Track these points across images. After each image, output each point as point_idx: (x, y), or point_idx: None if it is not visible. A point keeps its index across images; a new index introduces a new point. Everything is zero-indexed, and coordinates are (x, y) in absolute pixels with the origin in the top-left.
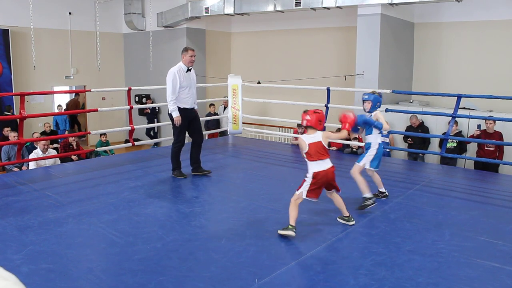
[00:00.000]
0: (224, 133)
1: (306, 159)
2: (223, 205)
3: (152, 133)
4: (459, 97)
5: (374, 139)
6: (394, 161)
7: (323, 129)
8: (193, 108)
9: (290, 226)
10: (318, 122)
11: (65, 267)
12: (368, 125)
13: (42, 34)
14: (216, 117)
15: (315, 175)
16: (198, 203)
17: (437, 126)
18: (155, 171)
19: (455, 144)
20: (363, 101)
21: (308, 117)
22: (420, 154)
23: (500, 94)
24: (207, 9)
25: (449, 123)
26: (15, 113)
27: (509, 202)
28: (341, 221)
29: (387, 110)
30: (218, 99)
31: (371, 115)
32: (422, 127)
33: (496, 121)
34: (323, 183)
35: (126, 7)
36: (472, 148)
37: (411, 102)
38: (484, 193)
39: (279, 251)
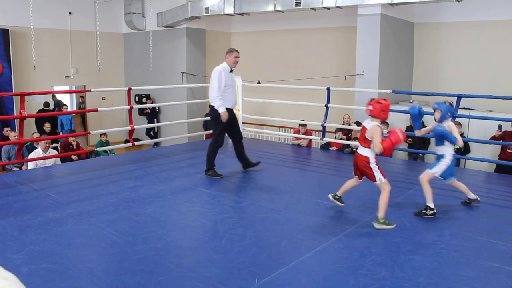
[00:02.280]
0: None
1: None
2: (223, 205)
3: (152, 133)
4: (459, 97)
5: (448, 150)
6: (394, 161)
7: (386, 119)
8: (233, 109)
9: (332, 195)
10: (381, 112)
11: (65, 267)
12: (441, 138)
13: (42, 34)
14: None
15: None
16: (198, 203)
17: None
18: (155, 171)
19: (457, 146)
20: (434, 110)
21: (370, 107)
22: (420, 154)
23: (500, 94)
24: (207, 9)
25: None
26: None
27: (509, 202)
28: (375, 225)
29: None
30: None
31: (441, 125)
32: (422, 127)
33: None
34: (355, 165)
35: (126, 7)
36: (485, 150)
37: (411, 102)
38: (485, 193)
39: (279, 251)
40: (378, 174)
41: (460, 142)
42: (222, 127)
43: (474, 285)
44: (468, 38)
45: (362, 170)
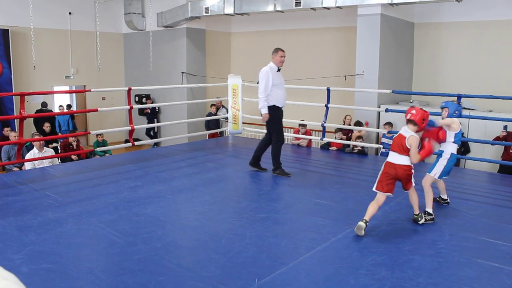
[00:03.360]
0: (221, 133)
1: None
2: (223, 205)
3: (152, 133)
4: (459, 97)
5: (447, 147)
6: None
7: (423, 128)
8: (282, 108)
9: (363, 220)
10: (422, 120)
11: (65, 267)
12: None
13: (42, 34)
14: (216, 117)
15: (385, 165)
16: (198, 203)
17: None
18: (155, 171)
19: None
20: (441, 108)
21: (413, 111)
22: None
23: (500, 94)
24: (207, 9)
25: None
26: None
27: (509, 202)
28: (420, 220)
29: (387, 110)
30: (218, 99)
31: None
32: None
33: None
34: (392, 176)
35: (126, 7)
36: (476, 149)
37: (411, 102)
38: (485, 193)
39: (279, 251)
40: (413, 180)
41: (440, 121)
42: (278, 124)
43: (474, 285)
44: (468, 38)
45: (403, 178)
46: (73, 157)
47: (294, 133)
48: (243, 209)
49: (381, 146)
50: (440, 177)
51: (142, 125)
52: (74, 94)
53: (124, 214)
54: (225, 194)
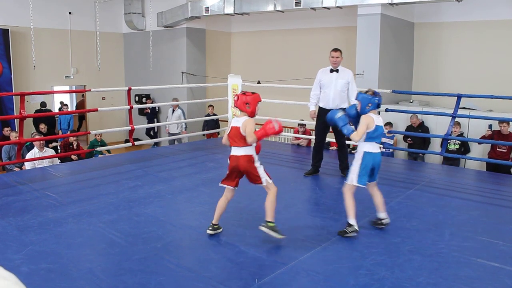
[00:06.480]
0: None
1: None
2: None
3: (152, 133)
4: (459, 97)
5: (358, 146)
6: (394, 161)
7: (254, 113)
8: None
9: (210, 227)
10: (244, 104)
11: (65, 267)
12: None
13: (42, 34)
14: (214, 117)
15: (229, 158)
16: (198, 203)
17: (437, 126)
18: (155, 171)
19: (457, 146)
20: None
21: (235, 98)
22: (420, 154)
23: (500, 94)
24: (207, 9)
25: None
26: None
27: (509, 202)
28: (262, 228)
29: (387, 110)
30: (217, 99)
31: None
32: (422, 127)
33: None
34: (236, 170)
35: (126, 7)
36: (475, 149)
37: (411, 102)
38: (484, 193)
39: (279, 251)
40: (264, 175)
41: (354, 137)
42: (317, 126)
43: (474, 285)
44: (468, 38)
45: (246, 171)
46: (73, 157)
47: (294, 133)
48: (243, 209)
49: (381, 146)
50: (360, 182)
51: (142, 125)
52: (74, 94)
53: (124, 214)
54: None
